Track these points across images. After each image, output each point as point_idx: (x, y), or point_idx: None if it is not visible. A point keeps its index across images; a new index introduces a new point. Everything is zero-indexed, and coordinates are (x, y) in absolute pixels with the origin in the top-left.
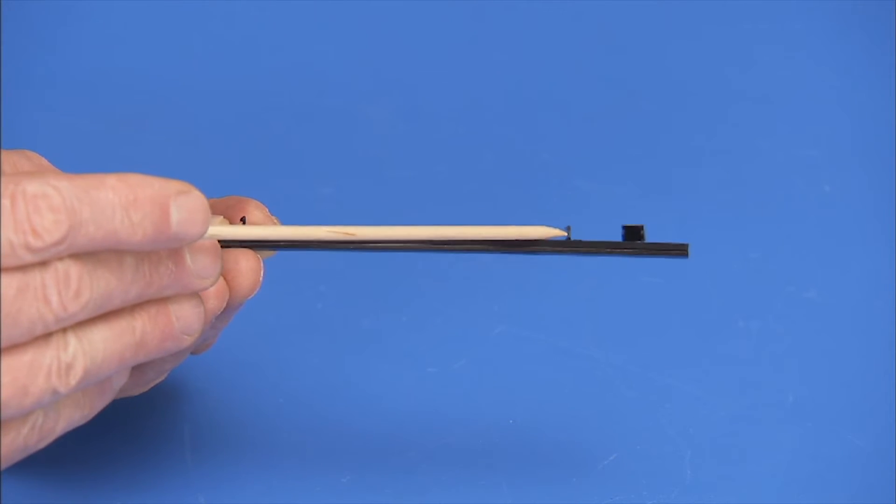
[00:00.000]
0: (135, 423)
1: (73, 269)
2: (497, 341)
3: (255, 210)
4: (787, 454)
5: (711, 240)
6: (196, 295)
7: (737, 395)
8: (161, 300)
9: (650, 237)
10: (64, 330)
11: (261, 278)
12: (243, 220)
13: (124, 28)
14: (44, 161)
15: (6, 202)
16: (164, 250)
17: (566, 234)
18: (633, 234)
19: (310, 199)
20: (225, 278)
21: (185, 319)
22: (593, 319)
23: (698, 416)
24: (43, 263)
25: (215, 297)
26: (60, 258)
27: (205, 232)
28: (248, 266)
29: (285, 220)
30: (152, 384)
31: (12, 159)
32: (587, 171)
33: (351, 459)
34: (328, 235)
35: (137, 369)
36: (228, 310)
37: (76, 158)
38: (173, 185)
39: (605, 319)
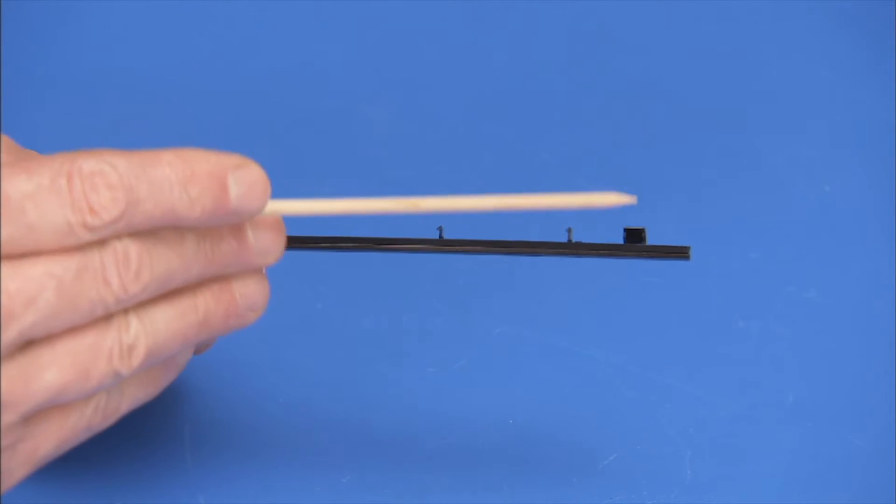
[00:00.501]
0: (135, 422)
1: (132, 249)
2: (497, 341)
3: None
4: (787, 454)
5: (711, 240)
6: (260, 271)
7: (737, 395)
8: (224, 277)
9: (651, 239)
10: (125, 311)
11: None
12: None
13: (124, 28)
14: (13, 143)
15: (62, 181)
16: (226, 227)
17: (634, 201)
18: (634, 236)
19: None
20: None
21: (250, 296)
22: (593, 319)
23: (698, 416)
24: (101, 243)
25: None
26: (119, 237)
27: (264, 206)
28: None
29: (287, 220)
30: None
31: None
32: (587, 171)
33: (351, 459)
34: (392, 206)
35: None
36: None
37: None
38: (231, 159)
39: (605, 319)
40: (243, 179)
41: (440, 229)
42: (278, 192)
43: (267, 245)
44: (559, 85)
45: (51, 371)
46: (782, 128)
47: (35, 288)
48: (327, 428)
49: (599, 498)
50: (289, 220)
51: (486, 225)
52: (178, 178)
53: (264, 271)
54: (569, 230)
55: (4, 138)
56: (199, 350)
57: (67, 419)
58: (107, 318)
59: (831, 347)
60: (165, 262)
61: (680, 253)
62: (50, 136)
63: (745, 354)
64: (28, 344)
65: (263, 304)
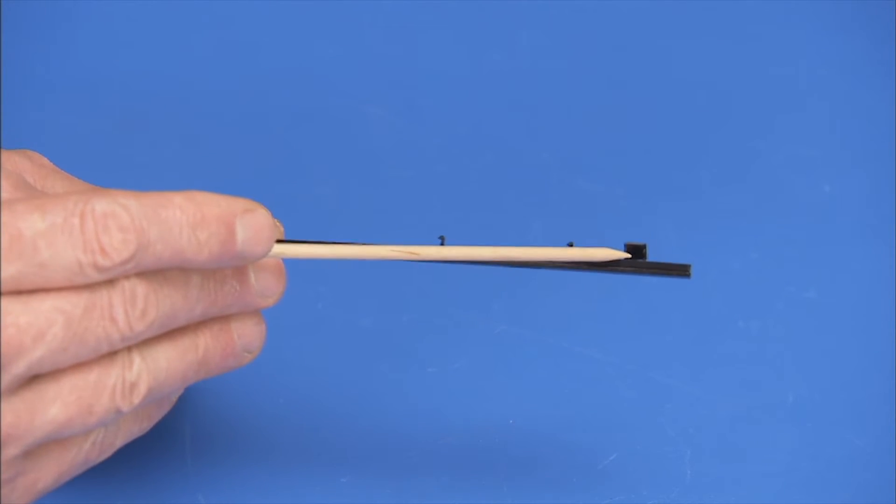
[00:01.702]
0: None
1: (139, 288)
2: (497, 341)
3: None
4: (787, 454)
5: (712, 240)
6: (258, 313)
7: (737, 395)
8: (224, 318)
9: (651, 240)
10: (129, 349)
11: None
12: None
13: (125, 28)
14: (45, 161)
15: (75, 220)
16: (230, 269)
17: (628, 255)
18: (635, 252)
19: (310, 199)
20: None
21: (247, 337)
22: (593, 319)
23: (698, 416)
24: (110, 282)
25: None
26: (127, 277)
27: (269, 250)
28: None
29: (286, 221)
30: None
31: (13, 159)
32: (587, 171)
33: (351, 459)
34: (392, 254)
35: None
36: None
37: (76, 158)
38: (239, 204)
39: (605, 319)
40: (250, 225)
41: (442, 238)
42: (279, 192)
43: (268, 287)
44: (560, 85)
45: (55, 406)
46: (782, 128)
47: (44, 322)
48: (327, 428)
49: (599, 498)
50: (288, 219)
51: (488, 234)
52: (189, 221)
53: (262, 313)
54: (570, 244)
55: (5, 174)
56: None
57: (67, 453)
58: (111, 355)
59: (831, 347)
60: (171, 302)
61: (681, 271)
62: (50, 137)
63: (745, 354)
64: (34, 378)
65: (260, 345)
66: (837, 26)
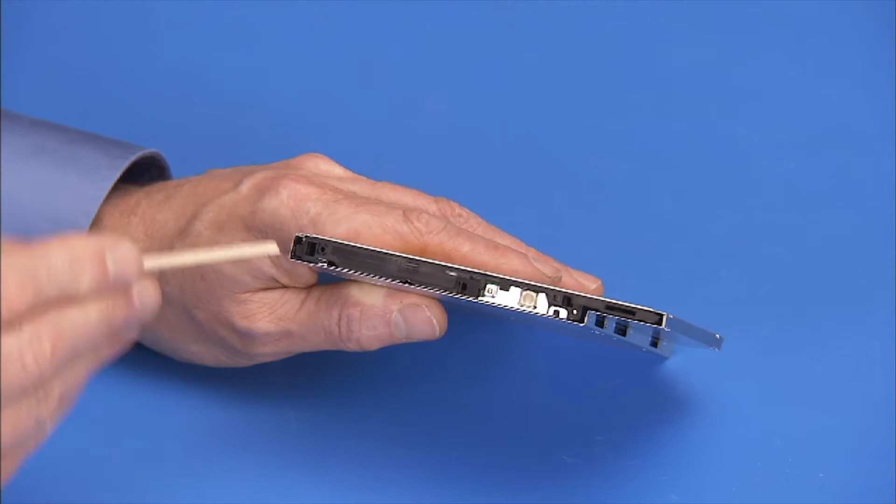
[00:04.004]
0: (135, 422)
1: (43, 331)
2: (498, 339)
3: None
4: (789, 453)
5: (711, 240)
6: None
7: (737, 394)
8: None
9: (648, 225)
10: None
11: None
12: None
13: (124, 28)
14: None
15: None
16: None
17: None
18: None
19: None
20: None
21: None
22: None
23: (701, 416)
24: (18, 333)
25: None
26: (30, 322)
27: (140, 269)
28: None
29: None
30: None
31: None
32: (588, 170)
33: (351, 460)
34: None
35: None
36: None
37: None
38: (106, 240)
39: None
40: (118, 256)
41: None
42: None
43: (146, 297)
44: (560, 84)
45: None
46: (782, 128)
47: None
48: (327, 428)
49: (599, 497)
50: None
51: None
52: (67, 261)
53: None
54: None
55: None
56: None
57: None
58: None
59: (831, 349)
60: (73, 334)
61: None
62: None
63: (748, 354)
64: None
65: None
66: (837, 25)
